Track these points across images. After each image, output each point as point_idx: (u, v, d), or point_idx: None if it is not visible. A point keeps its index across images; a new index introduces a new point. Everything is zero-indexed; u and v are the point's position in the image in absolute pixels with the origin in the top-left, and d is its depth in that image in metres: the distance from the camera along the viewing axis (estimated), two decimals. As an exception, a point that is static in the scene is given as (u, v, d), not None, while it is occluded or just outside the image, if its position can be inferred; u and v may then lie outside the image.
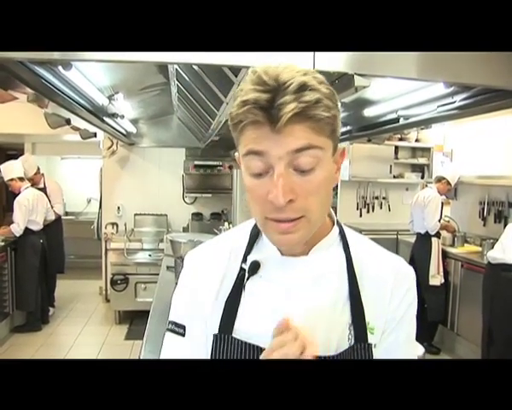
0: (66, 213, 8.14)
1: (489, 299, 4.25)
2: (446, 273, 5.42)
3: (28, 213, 5.71)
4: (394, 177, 7.76)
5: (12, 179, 5.86)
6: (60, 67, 2.16)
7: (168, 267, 3.93)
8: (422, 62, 1.83)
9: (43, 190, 6.41)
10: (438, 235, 5.44)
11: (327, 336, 0.97)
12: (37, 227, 5.87)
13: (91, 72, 2.92)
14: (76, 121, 4.01)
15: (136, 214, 6.87)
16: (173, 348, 1.07)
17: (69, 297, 7.25)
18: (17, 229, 5.67)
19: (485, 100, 2.76)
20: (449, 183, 5.55)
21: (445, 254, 5.49)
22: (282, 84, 0.83)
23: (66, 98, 2.98)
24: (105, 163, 7.01)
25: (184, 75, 3.19)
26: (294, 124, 0.83)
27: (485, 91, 2.70)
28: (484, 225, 5.95)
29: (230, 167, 6.66)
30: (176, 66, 3.13)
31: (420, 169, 7.96)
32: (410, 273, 1.07)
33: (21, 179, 5.89)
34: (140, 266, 6.18)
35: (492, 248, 4.46)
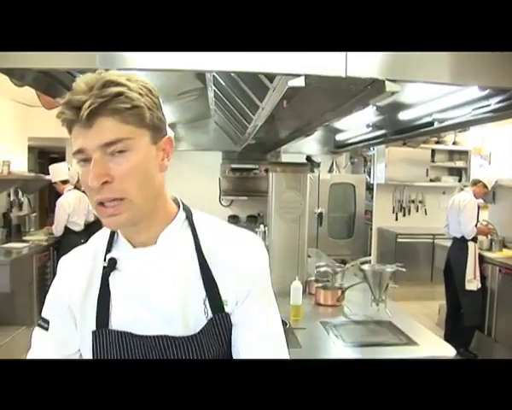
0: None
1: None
2: (483, 278, 5.34)
3: (67, 215, 5.91)
4: (431, 180, 7.72)
5: (55, 182, 6.10)
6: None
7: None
8: (455, 66, 1.85)
9: (84, 192, 6.58)
10: (474, 239, 5.34)
11: (184, 315, 1.07)
12: (78, 228, 6.05)
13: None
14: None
15: (173, 216, 6.97)
16: (38, 341, 1.18)
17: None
18: (55, 230, 5.94)
19: (521, 103, 2.76)
20: (485, 186, 5.41)
21: (481, 259, 5.41)
22: (91, 86, 0.95)
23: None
24: (144, 166, 7.14)
25: (221, 80, 3.27)
26: (100, 117, 0.95)
27: (520, 94, 2.69)
28: (523, 229, 5.86)
29: (266, 170, 6.71)
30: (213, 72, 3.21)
31: (457, 172, 7.89)
32: (255, 248, 1.16)
33: (64, 182, 6.10)
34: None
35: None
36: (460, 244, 5.37)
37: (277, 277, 3.45)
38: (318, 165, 6.89)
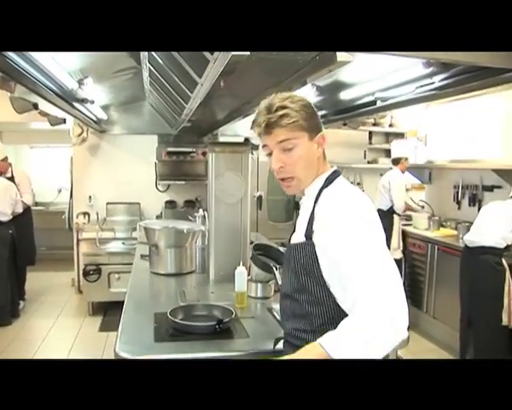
0: (36, 204, 7.94)
1: (467, 282, 4.24)
2: (405, 250, 5.85)
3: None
4: (368, 162, 7.76)
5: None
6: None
7: (142, 256, 3.82)
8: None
9: (11, 179, 6.21)
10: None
11: (297, 235, 1.70)
12: (5, 218, 5.70)
13: (59, 54, 2.80)
14: (44, 106, 3.85)
15: (108, 203, 6.72)
16: None
17: (40, 290, 7.10)
18: None
19: (463, 80, 2.75)
20: (406, 158, 6.00)
21: (404, 233, 5.91)
22: (268, 108, 1.59)
23: (33, 80, 2.85)
24: (75, 151, 6.82)
25: (157, 57, 3.08)
26: (275, 128, 1.59)
27: (463, 72, 2.67)
28: (458, 208, 5.98)
29: (204, 154, 6.55)
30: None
31: (394, 154, 7.98)
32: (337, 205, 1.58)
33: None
34: (113, 255, 6.06)
35: (468, 231, 4.45)
36: (386, 216, 5.74)
37: (220, 263, 3.35)
38: (257, 147, 6.76)
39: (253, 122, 1.63)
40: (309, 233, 1.60)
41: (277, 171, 1.62)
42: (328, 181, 1.66)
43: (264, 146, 1.65)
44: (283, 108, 1.56)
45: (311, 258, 1.58)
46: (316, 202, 1.63)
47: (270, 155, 1.64)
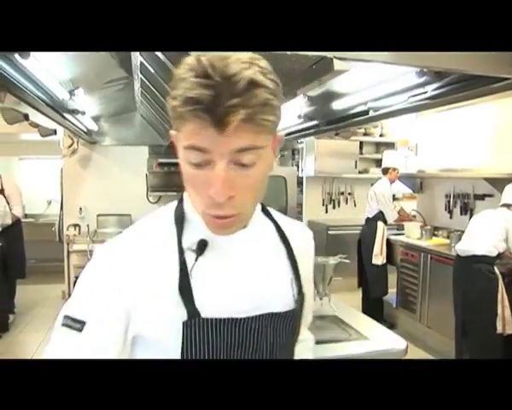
0: (26, 216, 7.85)
1: (461, 292, 4.24)
2: (389, 256, 5.89)
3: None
4: (359, 172, 7.80)
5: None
6: (16, 55, 2.02)
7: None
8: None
9: (1, 192, 6.15)
10: (384, 220, 5.92)
11: (275, 294, 1.05)
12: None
13: (50, 63, 2.78)
14: (35, 117, 3.83)
15: (98, 215, 6.68)
16: (66, 345, 0.96)
17: (30, 303, 7.00)
18: None
19: (456, 89, 2.75)
20: (395, 169, 5.98)
21: (395, 242, 5.99)
22: (227, 78, 0.80)
23: (23, 90, 2.83)
24: (65, 163, 6.77)
25: (149, 67, 3.06)
26: (239, 125, 0.81)
27: (456, 81, 2.68)
28: (450, 217, 5.99)
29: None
30: (140, 58, 3.00)
31: (385, 164, 8.01)
32: (311, 235, 1.26)
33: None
34: (104, 267, 5.98)
35: (460, 240, 4.46)
36: (370, 223, 5.92)
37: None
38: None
39: (187, 99, 0.80)
40: (300, 285, 1.10)
41: (220, 204, 0.86)
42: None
43: (193, 148, 0.84)
44: (263, 87, 0.82)
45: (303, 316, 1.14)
46: (283, 237, 1.12)
47: (199, 166, 0.86)
